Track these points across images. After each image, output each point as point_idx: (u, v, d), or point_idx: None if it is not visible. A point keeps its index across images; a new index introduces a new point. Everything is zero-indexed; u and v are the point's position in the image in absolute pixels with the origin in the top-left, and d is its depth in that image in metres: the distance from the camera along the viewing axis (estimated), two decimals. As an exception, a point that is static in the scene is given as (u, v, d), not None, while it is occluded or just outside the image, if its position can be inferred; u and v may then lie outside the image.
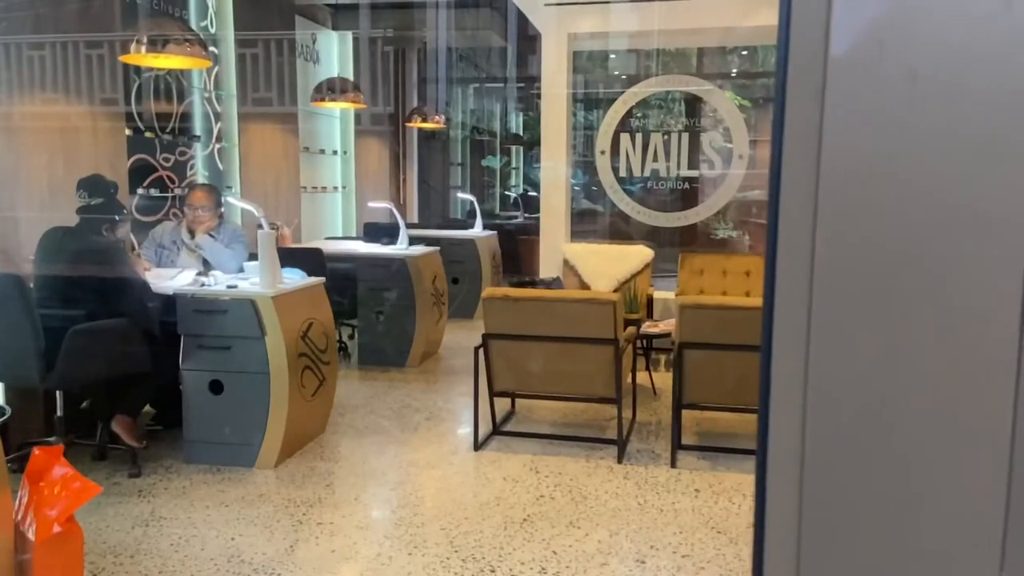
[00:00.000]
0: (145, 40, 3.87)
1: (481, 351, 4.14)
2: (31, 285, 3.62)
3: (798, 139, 0.49)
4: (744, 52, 10.41)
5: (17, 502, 2.40)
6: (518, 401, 4.79)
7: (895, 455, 0.51)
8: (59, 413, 3.71)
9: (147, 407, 4.24)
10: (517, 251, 9.92)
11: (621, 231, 9.16)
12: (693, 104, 7.79)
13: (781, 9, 0.51)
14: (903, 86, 0.47)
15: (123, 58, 4.19)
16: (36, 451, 2.43)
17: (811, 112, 0.49)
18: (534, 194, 11.91)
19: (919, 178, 0.48)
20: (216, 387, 3.87)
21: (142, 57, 4.03)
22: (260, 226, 3.97)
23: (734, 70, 10.62)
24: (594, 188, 10.37)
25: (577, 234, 6.80)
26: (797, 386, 0.52)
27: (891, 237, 0.49)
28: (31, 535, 2.29)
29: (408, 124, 8.27)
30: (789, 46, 0.49)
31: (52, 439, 3.65)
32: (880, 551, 0.53)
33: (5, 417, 3.52)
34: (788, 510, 0.55)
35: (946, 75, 0.46)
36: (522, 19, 7.72)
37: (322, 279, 4.38)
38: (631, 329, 4.45)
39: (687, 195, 7.13)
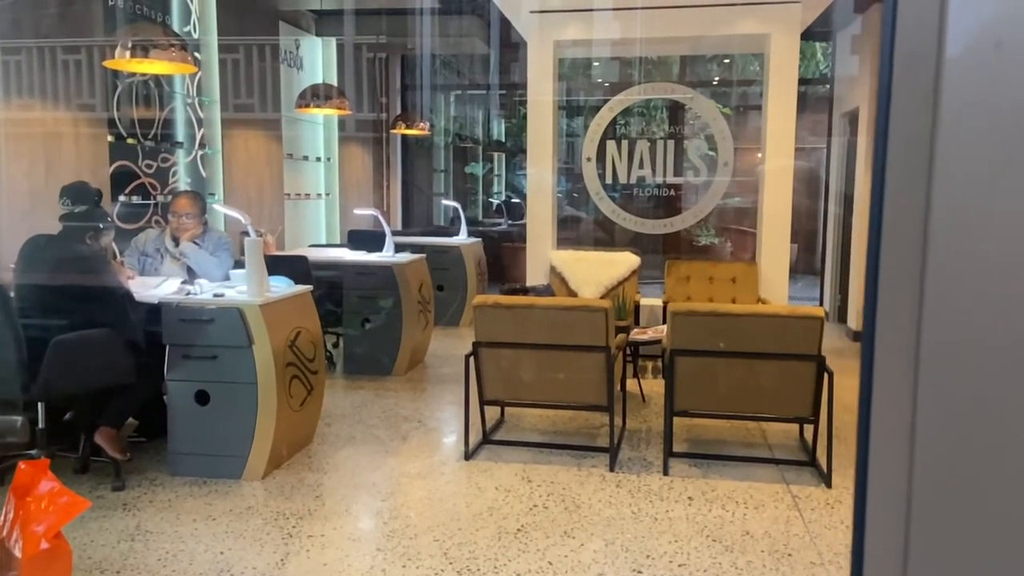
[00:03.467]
0: (130, 45, 3.80)
1: (471, 359, 4.11)
2: (12, 294, 3.54)
3: (907, 147, 0.46)
4: (726, 60, 10.49)
5: (2, 518, 2.34)
6: (507, 409, 4.76)
7: (1014, 488, 0.49)
8: (41, 425, 3.62)
9: (130, 418, 4.16)
10: (501, 258, 9.90)
11: (604, 238, 9.18)
12: (678, 112, 7.84)
13: (886, 6, 0.48)
14: (1024, 90, 0.45)
15: (107, 63, 4.12)
16: (22, 465, 2.37)
17: (922, 118, 0.46)
18: (517, 201, 11.90)
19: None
20: (202, 397, 3.80)
21: (126, 62, 3.96)
22: (246, 234, 3.92)
23: (716, 78, 10.70)
24: (575, 195, 10.39)
25: (560, 241, 6.79)
26: (903, 418, 0.49)
27: (1011, 253, 0.46)
28: (17, 552, 2.22)
29: (392, 131, 8.22)
30: (895, 45, 0.46)
31: (34, 452, 3.56)
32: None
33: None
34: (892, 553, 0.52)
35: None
36: (505, 26, 7.72)
37: (310, 287, 4.33)
38: (621, 336, 4.44)
39: (672, 202, 7.16)
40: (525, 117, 7.70)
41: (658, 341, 4.90)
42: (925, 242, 0.47)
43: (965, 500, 0.51)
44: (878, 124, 0.49)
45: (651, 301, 6.36)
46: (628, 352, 5.01)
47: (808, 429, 4.20)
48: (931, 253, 0.47)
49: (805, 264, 10.11)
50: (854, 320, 7.19)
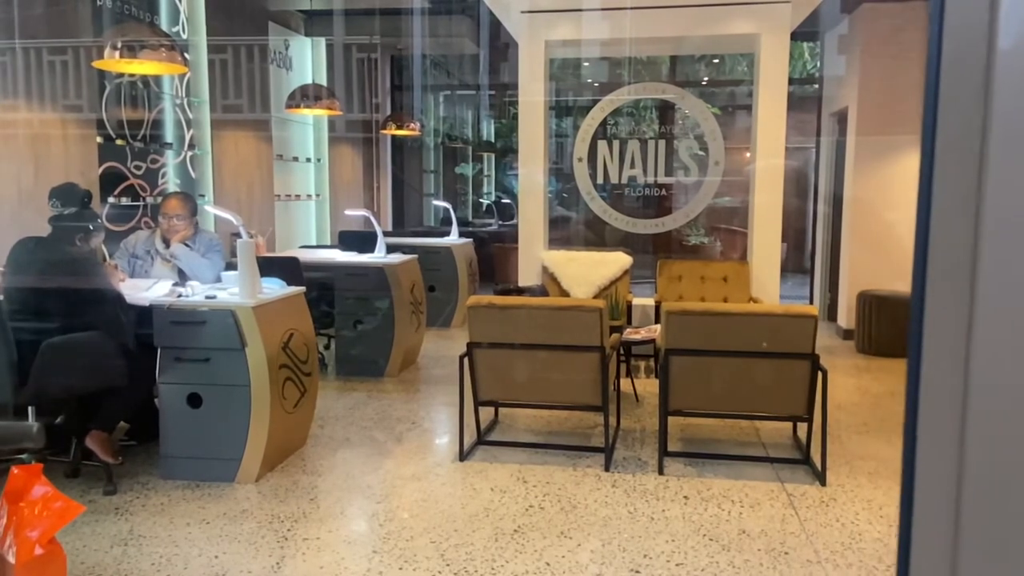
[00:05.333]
0: (120, 45, 3.77)
1: (465, 360, 4.10)
2: (1, 297, 3.50)
3: (956, 144, 0.45)
4: (715, 60, 10.52)
5: (-5, 524, 2.30)
6: (501, 410, 4.75)
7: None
8: (31, 429, 3.58)
9: (121, 422, 4.12)
10: (492, 259, 9.89)
11: (594, 238, 9.19)
12: (667, 112, 7.85)
13: (933, 1, 0.47)
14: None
15: (96, 63, 4.08)
16: (15, 470, 2.34)
17: (973, 114, 0.45)
18: (507, 201, 11.90)
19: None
20: (194, 400, 3.77)
21: (116, 63, 3.93)
22: (237, 235, 3.89)
23: (704, 78, 10.73)
24: (565, 195, 10.40)
25: (550, 241, 6.79)
26: (952, 422, 0.47)
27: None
28: (11, 558, 2.19)
29: (383, 131, 8.20)
30: (943, 40, 0.45)
31: (24, 456, 3.52)
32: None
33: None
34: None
35: None
36: (495, 27, 7.72)
37: (302, 288, 4.30)
38: (615, 336, 4.44)
39: (662, 202, 7.17)
40: (515, 117, 7.68)
41: (651, 341, 4.90)
42: (976, 242, 0.46)
43: (1018, 504, 0.50)
44: (925, 122, 0.47)
45: (643, 301, 6.37)
46: (621, 352, 5.01)
47: (801, 427, 4.21)
48: (983, 253, 0.46)
49: (794, 263, 10.17)
50: (844, 318, 7.23)
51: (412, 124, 7.88)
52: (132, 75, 5.38)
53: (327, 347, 6.24)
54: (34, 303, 3.60)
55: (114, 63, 3.96)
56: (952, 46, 0.45)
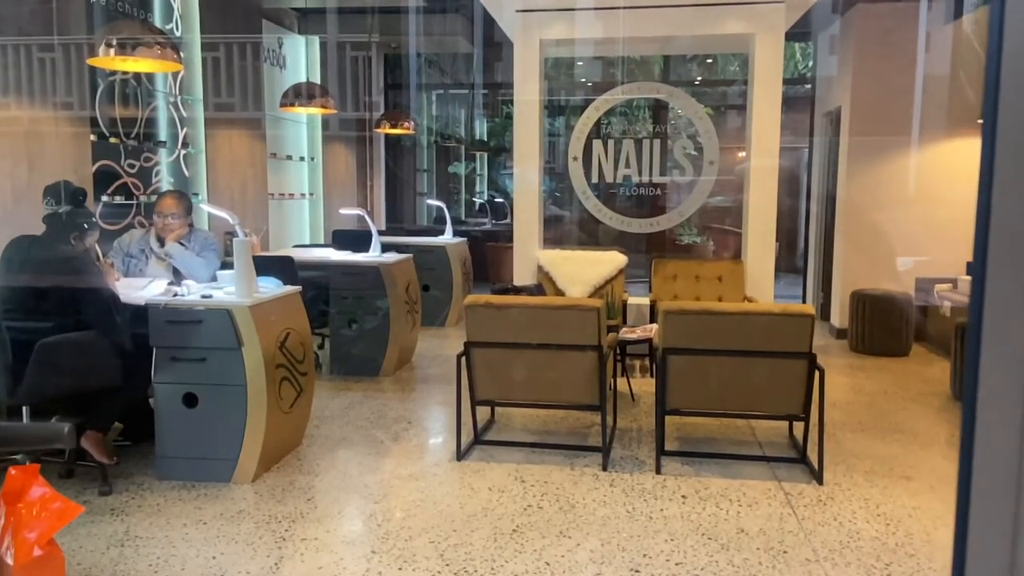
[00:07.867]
0: (115, 42, 3.74)
1: (463, 359, 4.09)
2: (-5, 296, 3.47)
3: (1017, 141, 0.44)
4: (708, 60, 10.54)
5: (-7, 525, 2.28)
6: (497, 409, 4.74)
7: None
8: (25, 430, 3.55)
9: (115, 422, 4.09)
10: (486, 258, 9.88)
11: (587, 237, 9.19)
12: (661, 111, 7.86)
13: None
14: None
15: (91, 61, 4.05)
16: (12, 470, 2.32)
17: None
18: (501, 200, 11.88)
19: None
20: (190, 400, 3.75)
21: (110, 60, 3.90)
22: (233, 234, 3.87)
23: (697, 78, 10.75)
24: (558, 194, 10.40)
25: (544, 240, 6.78)
26: (1013, 419, 0.46)
27: None
28: (9, 559, 2.17)
29: (376, 130, 8.17)
30: (1004, 35, 0.44)
31: (18, 456, 3.49)
32: None
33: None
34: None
35: None
36: (489, 25, 7.69)
37: (298, 288, 4.28)
38: (612, 335, 4.44)
39: (656, 201, 7.18)
40: (508, 116, 7.67)
41: (648, 340, 4.91)
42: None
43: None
44: (985, 118, 0.47)
45: (638, 300, 6.37)
46: (617, 351, 5.02)
47: (797, 426, 4.23)
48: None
49: (787, 262, 10.20)
50: (837, 317, 7.26)
51: (406, 123, 7.86)
52: (125, 73, 5.35)
53: (321, 346, 6.22)
54: (29, 302, 3.57)
55: (108, 60, 3.93)
56: (1014, 43, 0.45)
